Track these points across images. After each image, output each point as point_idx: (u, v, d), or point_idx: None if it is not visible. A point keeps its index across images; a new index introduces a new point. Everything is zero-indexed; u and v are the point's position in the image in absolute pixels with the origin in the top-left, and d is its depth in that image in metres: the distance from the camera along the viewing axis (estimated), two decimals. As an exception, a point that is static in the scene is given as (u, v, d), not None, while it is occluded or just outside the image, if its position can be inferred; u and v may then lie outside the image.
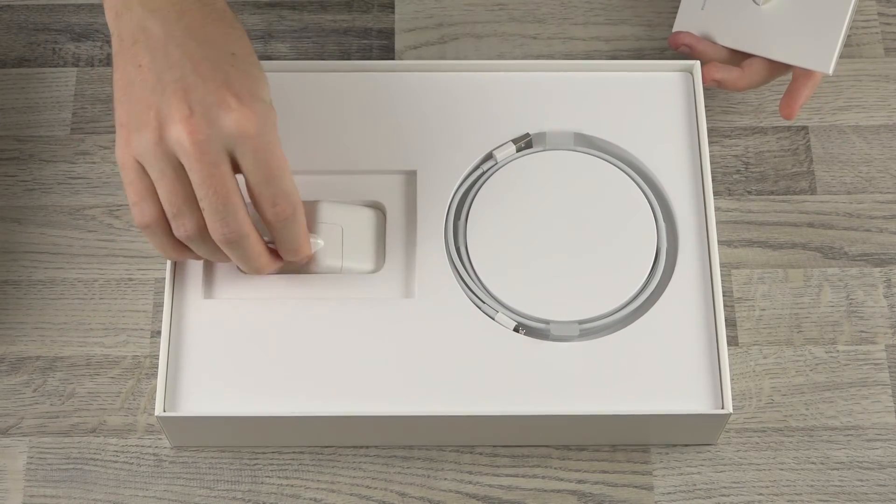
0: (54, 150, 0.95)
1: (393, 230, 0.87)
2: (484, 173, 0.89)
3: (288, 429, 0.84)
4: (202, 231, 0.77)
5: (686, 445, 0.86)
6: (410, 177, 0.88)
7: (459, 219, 0.88)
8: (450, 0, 1.00)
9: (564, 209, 0.87)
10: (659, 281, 0.86)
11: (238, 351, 0.84)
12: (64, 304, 0.90)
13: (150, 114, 0.74)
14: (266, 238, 0.80)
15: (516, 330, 0.84)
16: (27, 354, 0.89)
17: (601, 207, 0.88)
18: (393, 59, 0.98)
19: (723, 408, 0.82)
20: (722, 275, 0.91)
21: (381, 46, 0.98)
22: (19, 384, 0.88)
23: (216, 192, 0.75)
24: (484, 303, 0.85)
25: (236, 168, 0.76)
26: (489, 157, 0.89)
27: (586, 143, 0.90)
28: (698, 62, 0.91)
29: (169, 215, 0.77)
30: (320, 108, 0.90)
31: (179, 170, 0.75)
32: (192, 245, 0.78)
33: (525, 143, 0.90)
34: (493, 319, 0.85)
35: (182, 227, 0.77)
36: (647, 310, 0.85)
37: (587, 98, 0.91)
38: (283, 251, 0.81)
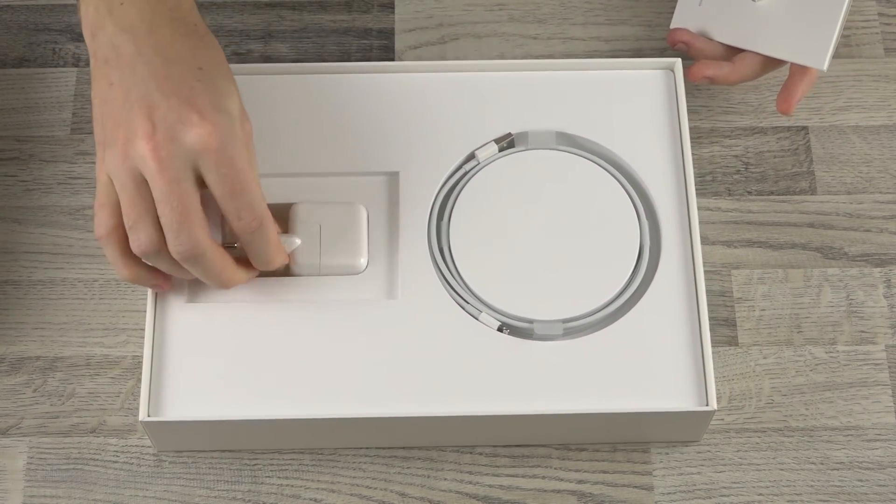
0: (54, 150, 0.95)
1: (376, 231, 0.87)
2: (466, 173, 0.89)
3: (273, 432, 0.84)
4: (157, 245, 0.77)
5: (680, 443, 0.86)
6: (393, 178, 0.88)
7: (442, 219, 0.88)
8: (450, 0, 1.00)
9: (547, 208, 0.88)
10: (642, 279, 0.86)
11: (222, 355, 0.84)
12: (64, 304, 0.90)
13: (119, 131, 0.76)
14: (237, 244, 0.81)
15: (500, 330, 0.85)
16: (27, 354, 0.89)
17: (584, 206, 0.88)
18: (393, 59, 0.98)
19: (707, 405, 0.82)
20: (722, 275, 0.91)
21: (381, 47, 0.98)
22: (19, 384, 0.88)
23: (173, 209, 0.76)
24: (467, 303, 0.85)
25: (203, 183, 0.77)
26: (471, 157, 0.89)
27: (568, 141, 0.90)
28: (679, 60, 0.91)
29: (127, 227, 0.77)
30: (299, 110, 0.90)
31: (142, 185, 0.76)
32: (148, 260, 0.79)
33: (507, 142, 0.90)
34: (477, 319, 0.85)
35: (137, 240, 0.77)
36: (630, 308, 0.85)
37: (569, 97, 0.91)
38: (255, 263, 0.81)
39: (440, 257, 0.87)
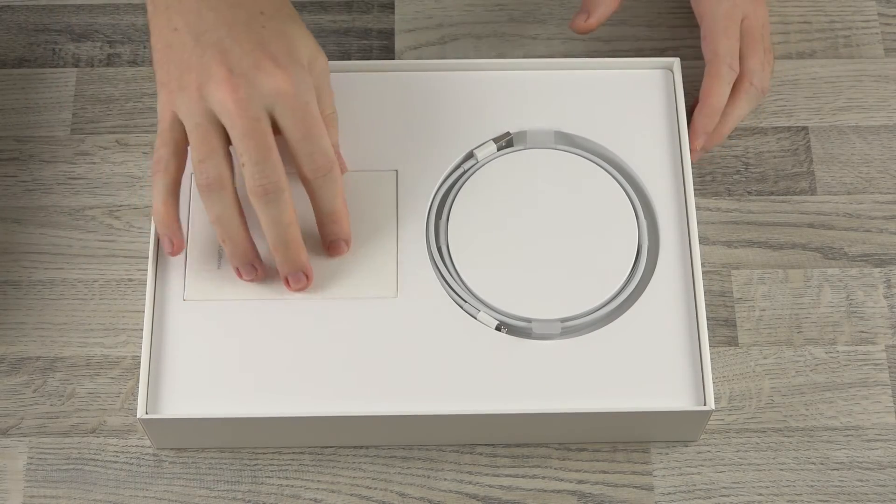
0: (54, 150, 0.95)
1: (374, 230, 0.87)
2: (465, 173, 0.89)
3: (271, 430, 0.84)
4: (223, 180, 0.79)
5: (679, 443, 0.86)
6: (391, 176, 0.89)
7: (441, 218, 0.88)
8: (450, 0, 1.00)
9: (545, 208, 0.88)
10: (640, 278, 0.86)
11: (219, 352, 0.84)
12: (64, 305, 0.90)
13: (192, 75, 0.78)
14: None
15: (498, 329, 0.85)
16: (27, 355, 0.89)
17: (582, 205, 0.88)
18: (393, 59, 0.98)
19: (705, 404, 0.83)
20: (722, 275, 0.91)
21: (381, 47, 0.98)
22: (19, 384, 0.88)
23: (258, 145, 0.78)
24: (466, 302, 0.86)
25: (276, 130, 0.79)
26: (470, 156, 0.90)
27: (567, 141, 0.90)
28: (678, 59, 0.91)
29: (195, 162, 0.79)
30: None
31: (216, 125, 0.79)
32: (208, 198, 0.80)
33: (506, 141, 0.90)
34: (476, 319, 0.85)
35: (205, 173, 0.79)
36: (628, 307, 0.85)
37: (568, 96, 0.91)
38: (320, 211, 0.83)
39: (438, 256, 0.87)
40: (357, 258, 0.86)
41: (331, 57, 0.98)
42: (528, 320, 0.85)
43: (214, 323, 0.85)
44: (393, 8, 1.00)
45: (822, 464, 0.86)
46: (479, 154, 0.89)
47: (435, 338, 0.84)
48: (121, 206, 0.93)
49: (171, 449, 0.86)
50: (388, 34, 0.99)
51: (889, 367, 0.89)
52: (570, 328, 0.85)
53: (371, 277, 0.86)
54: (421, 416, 0.82)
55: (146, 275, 0.90)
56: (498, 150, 0.90)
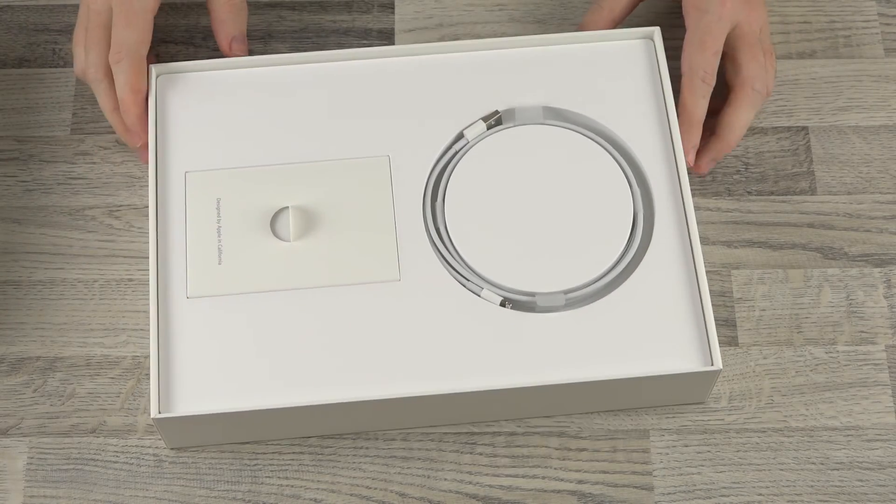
0: (54, 150, 0.95)
1: (372, 216, 0.88)
2: (456, 153, 0.90)
3: (286, 421, 0.84)
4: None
5: (664, 405, 0.86)
6: (384, 162, 0.89)
7: (437, 200, 0.89)
8: (450, 0, 1.00)
9: (539, 182, 0.89)
10: (638, 245, 0.87)
11: (229, 347, 0.84)
12: (64, 305, 0.90)
13: None
14: None
15: (503, 304, 0.85)
16: (27, 355, 0.89)
17: (575, 178, 0.89)
18: (392, 58, 0.98)
19: (712, 364, 0.83)
20: (722, 275, 0.91)
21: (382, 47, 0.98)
22: (19, 384, 0.88)
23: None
24: (469, 280, 0.86)
25: None
26: (460, 136, 0.90)
27: (555, 115, 0.91)
28: (658, 28, 0.92)
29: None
30: (286, 99, 0.91)
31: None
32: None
33: (495, 120, 0.91)
34: (479, 296, 0.86)
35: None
36: (629, 274, 0.86)
37: (552, 72, 0.92)
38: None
39: (437, 238, 0.87)
40: (358, 244, 0.87)
41: (331, 57, 0.98)
42: (532, 294, 0.86)
43: (220, 318, 0.85)
44: (393, 8, 1.00)
45: (822, 464, 0.86)
46: (469, 134, 0.90)
47: (442, 318, 0.85)
48: (121, 206, 0.93)
49: (178, 449, 0.86)
50: (388, 34, 0.99)
51: (889, 367, 0.89)
52: (574, 299, 0.86)
53: (373, 262, 0.86)
54: (435, 396, 0.83)
55: (146, 275, 0.90)
56: (487, 128, 0.90)
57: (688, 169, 0.90)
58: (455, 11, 1.00)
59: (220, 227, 0.87)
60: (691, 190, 0.91)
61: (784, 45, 0.98)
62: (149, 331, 0.88)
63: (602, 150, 0.90)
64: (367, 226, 0.87)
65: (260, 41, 0.99)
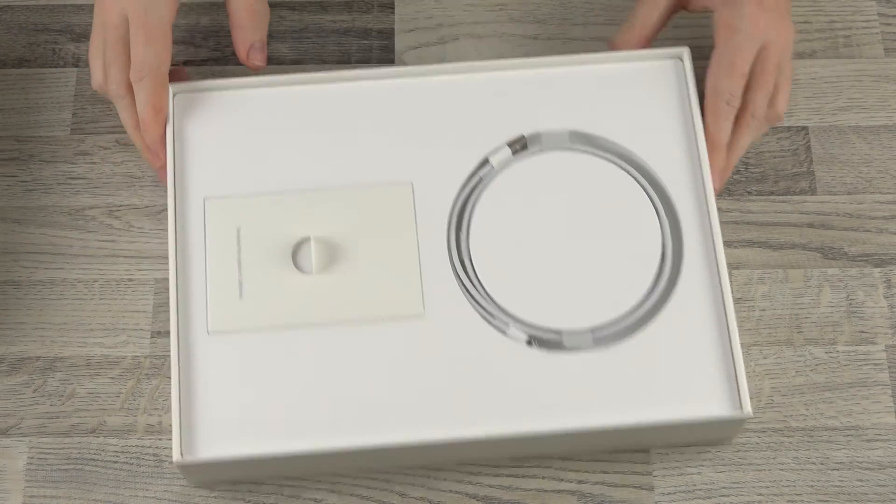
0: (54, 150, 0.95)
1: (395, 247, 0.85)
2: (481, 180, 0.87)
3: (308, 464, 0.83)
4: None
5: (688, 446, 0.86)
6: (407, 189, 0.87)
7: (461, 230, 0.86)
8: (450, 0, 1.00)
9: (565, 212, 0.86)
10: (668, 280, 0.85)
11: (251, 387, 0.82)
12: (64, 305, 0.90)
13: None
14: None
15: (529, 343, 0.83)
16: (27, 355, 0.89)
17: (602, 207, 0.87)
18: (393, 59, 0.98)
19: (741, 409, 0.82)
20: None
21: (381, 47, 0.98)
22: (19, 384, 0.88)
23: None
24: (494, 317, 0.84)
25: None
26: (485, 162, 0.88)
27: (582, 140, 0.89)
28: (687, 49, 0.90)
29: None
30: (304, 123, 0.89)
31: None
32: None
33: (520, 145, 0.88)
34: (506, 335, 0.84)
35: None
36: (658, 311, 0.84)
37: (578, 93, 0.89)
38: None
39: (462, 271, 0.85)
40: (382, 277, 0.85)
41: (331, 58, 0.98)
42: (559, 332, 0.84)
43: (242, 356, 0.83)
44: (393, 8, 1.00)
45: (822, 464, 0.86)
46: (495, 160, 0.88)
47: (468, 358, 0.83)
48: (121, 206, 0.93)
49: (206, 485, 0.85)
50: (388, 34, 0.99)
51: (889, 367, 0.89)
52: (602, 337, 0.84)
53: (398, 297, 0.84)
54: (465, 442, 0.81)
55: (146, 275, 0.90)
56: (513, 154, 0.88)
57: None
58: (455, 11, 1.00)
59: (240, 258, 0.85)
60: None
61: (784, 45, 0.98)
62: (150, 330, 0.88)
63: (630, 178, 0.87)
64: (390, 257, 0.85)
65: (260, 41, 0.99)
